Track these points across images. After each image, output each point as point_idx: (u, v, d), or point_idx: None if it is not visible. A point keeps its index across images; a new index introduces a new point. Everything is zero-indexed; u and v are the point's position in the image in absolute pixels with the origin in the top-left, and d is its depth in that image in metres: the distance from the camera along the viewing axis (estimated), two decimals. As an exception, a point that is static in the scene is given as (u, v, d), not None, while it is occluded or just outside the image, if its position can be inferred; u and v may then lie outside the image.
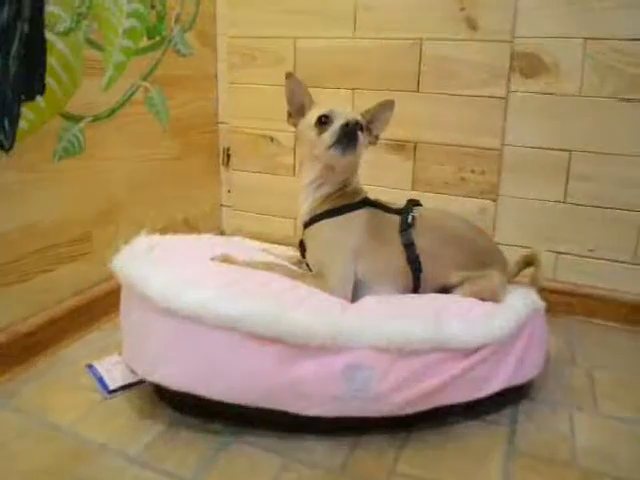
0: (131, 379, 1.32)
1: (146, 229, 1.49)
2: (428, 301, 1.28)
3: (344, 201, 1.39)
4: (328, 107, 1.37)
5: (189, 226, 2.05)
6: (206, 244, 1.49)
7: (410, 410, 1.15)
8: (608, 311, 1.69)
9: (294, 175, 2.01)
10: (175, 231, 1.96)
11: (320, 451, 1.14)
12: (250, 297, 1.12)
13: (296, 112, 1.44)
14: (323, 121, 1.34)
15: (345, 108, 1.40)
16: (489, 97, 1.71)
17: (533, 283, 1.44)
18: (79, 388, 1.33)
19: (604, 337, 1.65)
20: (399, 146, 1.86)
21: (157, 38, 1.78)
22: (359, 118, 1.37)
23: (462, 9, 1.69)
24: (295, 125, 1.45)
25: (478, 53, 1.70)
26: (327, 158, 1.35)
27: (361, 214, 1.38)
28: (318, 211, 1.38)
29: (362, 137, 1.34)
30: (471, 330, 1.18)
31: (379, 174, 1.87)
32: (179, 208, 2.00)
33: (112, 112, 1.64)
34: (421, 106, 1.80)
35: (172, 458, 1.11)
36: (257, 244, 1.66)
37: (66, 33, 1.45)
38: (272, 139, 2.05)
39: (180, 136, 1.95)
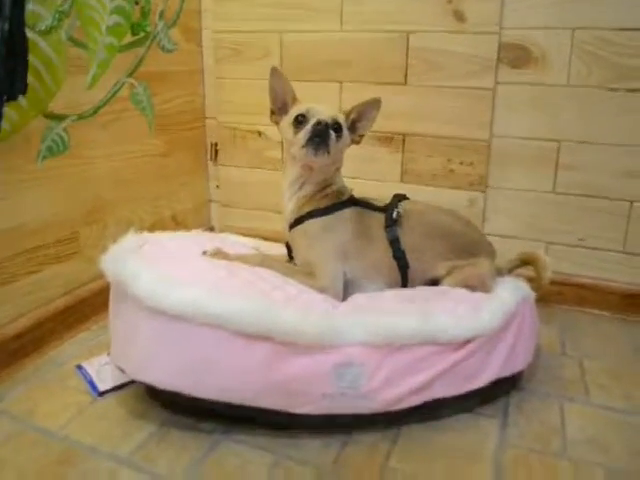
0: (121, 380, 1.31)
1: (134, 227, 1.48)
2: (416, 296, 1.27)
3: (329, 201, 1.38)
4: (306, 106, 1.37)
5: (177, 222, 2.04)
6: (195, 241, 1.47)
7: (401, 405, 1.15)
8: (598, 300, 1.70)
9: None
10: (163, 228, 1.97)
11: (311, 448, 1.14)
12: (238, 295, 1.11)
13: (279, 109, 1.43)
14: (300, 120, 1.34)
15: (325, 106, 1.38)
16: (477, 89, 1.70)
17: (537, 288, 1.44)
18: (68, 390, 1.32)
19: (594, 326, 1.65)
20: (387, 138, 1.85)
21: (141, 34, 1.75)
22: (338, 117, 1.36)
23: (449, 1, 1.67)
24: (277, 123, 1.43)
25: (465, 45, 1.69)
26: (301, 157, 1.34)
27: (346, 213, 1.37)
28: (303, 212, 1.38)
29: (335, 137, 1.32)
30: (460, 323, 1.18)
31: (368, 167, 1.86)
32: (167, 205, 1.99)
33: (97, 110, 1.62)
34: (409, 99, 1.79)
35: (163, 458, 1.10)
36: (247, 240, 1.65)
37: (48, 32, 1.43)
38: (260, 133, 2.03)
39: (166, 132, 1.93)
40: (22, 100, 1.38)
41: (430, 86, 1.76)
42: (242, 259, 1.34)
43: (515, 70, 1.67)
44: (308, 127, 1.30)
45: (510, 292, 1.31)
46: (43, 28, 1.42)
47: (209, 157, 2.15)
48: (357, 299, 1.25)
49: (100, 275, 1.51)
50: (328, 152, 1.30)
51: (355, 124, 1.42)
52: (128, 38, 1.70)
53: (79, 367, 1.40)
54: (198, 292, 1.08)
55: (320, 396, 1.11)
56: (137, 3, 1.72)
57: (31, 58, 1.39)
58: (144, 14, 1.76)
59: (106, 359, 1.40)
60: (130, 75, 1.73)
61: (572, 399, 1.29)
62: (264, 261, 1.34)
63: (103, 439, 1.16)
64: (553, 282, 1.59)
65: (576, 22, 1.57)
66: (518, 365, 1.28)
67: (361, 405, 1.13)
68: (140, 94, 1.78)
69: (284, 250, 1.49)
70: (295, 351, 1.10)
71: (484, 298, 1.28)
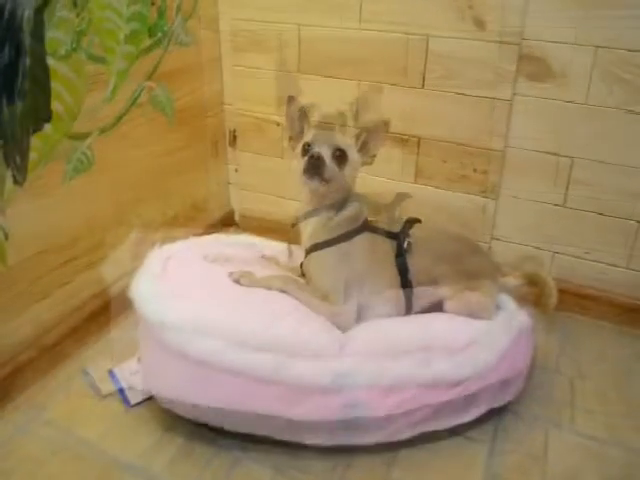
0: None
1: (159, 242, 1.58)
2: (417, 332, 1.37)
3: (343, 229, 1.44)
4: (313, 133, 1.44)
5: (198, 209, 2.12)
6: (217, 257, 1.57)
7: (399, 437, 1.29)
8: (600, 310, 1.77)
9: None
10: (185, 216, 2.06)
11: (319, 468, 1.29)
12: (255, 345, 1.22)
13: (296, 136, 1.47)
14: (306, 149, 1.41)
15: (332, 133, 1.47)
16: (494, 99, 1.69)
17: (544, 310, 1.52)
18: (103, 398, 1.47)
19: (593, 337, 1.74)
20: (403, 140, 1.86)
21: (159, 35, 1.74)
22: (342, 143, 1.42)
23: (470, 7, 1.62)
24: (294, 149, 1.48)
25: (485, 53, 1.65)
26: (302, 184, 1.42)
27: (359, 241, 1.44)
28: (318, 239, 1.45)
29: (335, 165, 1.39)
30: (457, 367, 1.28)
31: (384, 165, 1.88)
32: (188, 194, 2.06)
33: (118, 120, 1.66)
34: (426, 102, 1.79)
35: (190, 476, 1.27)
36: (262, 243, 1.75)
37: (68, 55, 1.45)
38: (278, 124, 2.05)
39: (186, 125, 1.96)
40: (47, 127, 1.44)
41: (447, 92, 1.75)
42: (265, 282, 1.43)
43: (534, 83, 1.64)
44: (305, 158, 1.37)
45: (506, 329, 1.39)
46: (63, 53, 1.44)
47: (228, 143, 2.18)
48: (363, 336, 1.35)
49: (126, 273, 1.64)
50: (324, 181, 1.38)
51: (366, 145, 1.47)
52: (146, 42, 1.70)
53: (111, 373, 1.54)
54: (217, 345, 1.20)
55: (328, 431, 1.25)
56: (153, 4, 1.70)
57: (53, 84, 1.43)
58: (160, 13, 1.74)
59: (136, 367, 1.54)
60: (149, 78, 1.75)
61: (558, 425, 1.41)
62: (286, 284, 1.44)
63: (137, 454, 1.31)
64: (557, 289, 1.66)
65: (600, 40, 1.53)
66: (509, 395, 1.39)
67: (365, 438, 1.27)
68: (159, 95, 1.80)
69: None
70: (306, 395, 1.22)
71: (482, 332, 1.37)
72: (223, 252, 1.55)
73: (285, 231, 1.82)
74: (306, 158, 1.38)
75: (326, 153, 1.38)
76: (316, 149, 1.37)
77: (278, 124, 2.05)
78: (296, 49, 1.91)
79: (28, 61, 1.35)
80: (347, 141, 1.44)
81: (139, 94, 1.71)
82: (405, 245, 1.43)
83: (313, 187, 1.39)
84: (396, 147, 1.87)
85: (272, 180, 2.15)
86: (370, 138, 1.46)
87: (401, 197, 1.50)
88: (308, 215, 1.48)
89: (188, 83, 1.93)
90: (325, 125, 1.82)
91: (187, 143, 1.98)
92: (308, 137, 1.42)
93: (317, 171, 1.36)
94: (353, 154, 1.44)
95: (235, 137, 2.16)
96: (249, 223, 2.25)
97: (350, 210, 1.47)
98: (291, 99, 1.45)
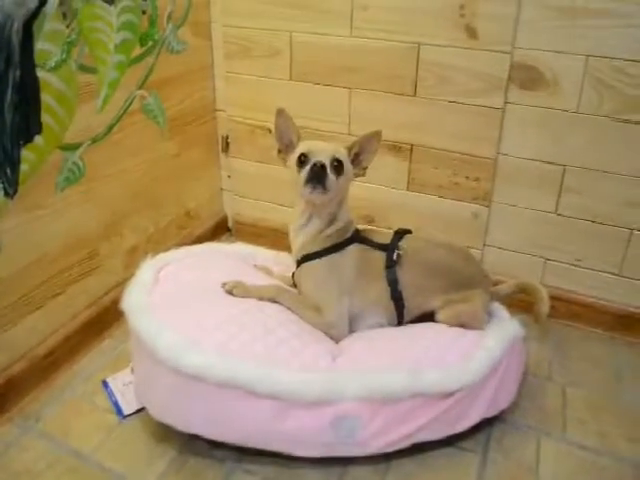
0: (143, 402, 1.46)
1: (151, 253, 1.59)
2: (409, 342, 1.38)
3: (333, 240, 1.45)
4: (308, 145, 1.44)
5: (191, 217, 2.11)
6: (211, 265, 1.58)
7: (391, 449, 1.29)
8: (591, 317, 1.78)
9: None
10: (179, 225, 2.06)
11: (312, 478, 1.29)
12: (247, 358, 1.22)
13: (285, 148, 1.48)
14: (302, 160, 1.41)
15: (327, 144, 1.47)
16: (486, 107, 1.69)
17: (537, 319, 1.52)
18: (97, 409, 1.47)
19: (584, 343, 1.75)
20: (395, 147, 1.86)
21: (150, 43, 1.74)
22: (338, 154, 1.42)
23: (462, 15, 1.62)
24: (284, 161, 1.48)
25: (477, 61, 1.66)
26: (303, 195, 1.42)
27: (350, 252, 1.46)
28: (310, 250, 1.46)
29: (334, 176, 1.39)
30: (448, 378, 1.29)
31: (376, 173, 1.87)
32: (180, 202, 2.05)
33: (109, 129, 1.65)
34: (418, 110, 1.79)
35: (183, 490, 1.28)
36: (253, 251, 1.75)
37: (58, 66, 1.44)
38: (270, 130, 2.04)
39: (179, 133, 1.96)
40: (38, 139, 1.43)
41: (439, 100, 1.75)
42: (258, 292, 1.44)
43: (525, 91, 1.65)
44: (307, 168, 1.37)
45: (497, 340, 1.40)
46: (53, 65, 1.43)
47: (220, 149, 2.18)
48: (354, 347, 1.36)
49: (120, 282, 1.64)
50: (326, 191, 1.38)
51: (358, 157, 1.48)
52: (137, 51, 1.70)
53: (104, 383, 1.55)
54: (210, 359, 1.20)
55: (320, 444, 1.26)
56: (144, 12, 1.70)
57: (43, 96, 1.42)
58: (152, 22, 1.73)
59: (129, 377, 1.54)
60: (140, 87, 1.74)
61: (550, 434, 1.41)
62: (278, 295, 1.45)
63: (131, 466, 1.31)
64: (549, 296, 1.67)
65: (591, 49, 1.53)
66: (501, 405, 1.40)
67: (356, 450, 1.28)
68: (151, 104, 1.80)
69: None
70: (297, 407, 1.22)
71: (473, 343, 1.38)
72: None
73: (278, 238, 1.83)
74: (307, 168, 1.37)
75: (326, 163, 1.38)
76: (318, 159, 1.37)
77: (270, 131, 2.04)
78: (288, 56, 1.91)
79: (18, 74, 1.34)
80: (342, 152, 1.44)
81: (131, 102, 1.71)
82: (395, 257, 1.44)
83: (314, 197, 1.39)
84: (388, 155, 1.87)
85: (265, 186, 2.15)
86: (362, 150, 1.46)
87: (400, 234, 1.50)
88: (301, 225, 1.48)
89: (180, 90, 1.93)
90: (317, 136, 1.81)
91: (179, 150, 1.98)
92: (303, 148, 1.42)
93: (320, 181, 1.36)
94: (348, 165, 1.44)
95: (228, 143, 2.16)
96: (242, 230, 2.25)
97: (341, 221, 1.48)
98: (280, 112, 1.46)
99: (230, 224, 2.30)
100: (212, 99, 2.10)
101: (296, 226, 1.49)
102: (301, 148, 1.43)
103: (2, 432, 1.41)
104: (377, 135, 1.45)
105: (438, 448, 1.36)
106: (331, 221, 1.47)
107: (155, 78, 1.79)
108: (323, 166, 1.36)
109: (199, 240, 1.99)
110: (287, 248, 1.60)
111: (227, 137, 2.15)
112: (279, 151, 1.50)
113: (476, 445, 1.39)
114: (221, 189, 2.27)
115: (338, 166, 1.40)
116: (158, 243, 1.91)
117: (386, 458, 1.33)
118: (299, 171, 1.40)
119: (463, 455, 1.36)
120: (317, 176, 1.36)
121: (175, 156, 1.97)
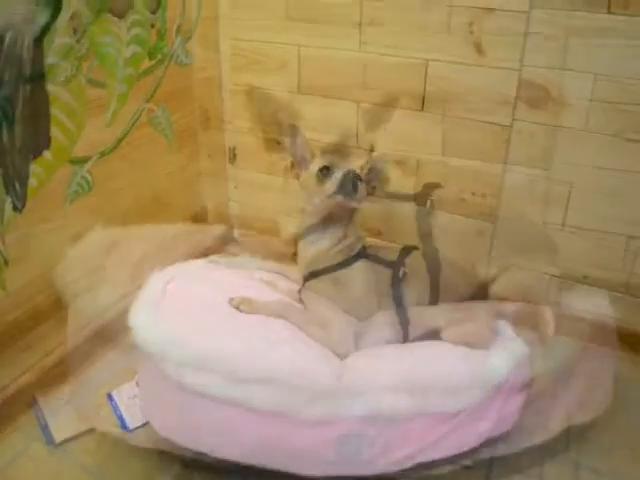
0: (148, 417, 1.47)
1: (158, 265, 1.59)
2: (414, 361, 1.37)
3: (341, 257, 1.45)
4: (329, 159, 1.45)
5: (198, 229, 2.12)
6: (218, 280, 1.58)
7: (396, 468, 1.29)
8: (597, 335, 1.77)
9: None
10: (185, 236, 2.06)
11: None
12: (252, 376, 1.22)
13: (298, 164, 1.48)
14: (324, 173, 1.40)
15: (343, 159, 1.49)
16: (493, 124, 1.69)
17: (542, 340, 1.52)
18: (102, 421, 1.47)
19: (589, 361, 1.73)
20: (401, 162, 1.87)
21: (159, 57, 1.75)
22: (357, 171, 1.42)
23: (471, 32, 1.63)
24: (298, 177, 1.49)
25: (485, 78, 1.66)
26: (327, 205, 1.41)
27: (357, 269, 1.45)
28: (317, 267, 1.45)
29: (362, 186, 1.40)
30: (453, 398, 1.28)
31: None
32: (188, 213, 2.06)
33: (118, 143, 1.66)
34: (425, 125, 1.79)
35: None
36: (260, 264, 1.75)
37: (68, 81, 1.45)
38: (278, 142, 2.05)
39: (186, 145, 1.97)
40: (47, 153, 1.44)
41: (446, 115, 1.75)
42: (265, 308, 1.44)
43: (533, 109, 1.65)
44: (338, 176, 1.39)
45: (503, 359, 1.39)
46: (63, 79, 1.44)
47: (228, 160, 2.19)
48: (359, 366, 1.35)
49: (125, 295, 1.65)
50: (357, 197, 1.39)
51: (368, 176, 1.49)
52: (145, 64, 1.71)
53: (109, 396, 1.55)
54: (216, 379, 1.20)
55: (326, 462, 1.26)
56: (153, 26, 1.71)
57: (53, 110, 1.43)
58: (161, 35, 1.74)
59: (134, 390, 1.55)
60: (149, 100, 1.75)
61: (554, 455, 1.41)
62: (285, 311, 1.44)
63: (136, 484, 1.33)
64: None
65: (599, 68, 1.53)
66: (506, 425, 1.39)
67: (361, 470, 1.28)
68: (159, 117, 1.81)
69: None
70: (302, 425, 1.22)
71: (478, 363, 1.38)
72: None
73: (284, 250, 1.83)
74: (338, 176, 1.38)
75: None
76: (350, 168, 1.39)
77: (278, 142, 2.05)
78: (296, 70, 1.91)
79: (28, 89, 1.35)
80: (357, 166, 1.45)
81: (139, 116, 1.72)
82: (401, 274, 1.44)
83: (346, 201, 1.39)
84: (395, 169, 1.88)
85: (272, 197, 2.16)
86: (371, 170, 1.49)
87: (407, 251, 1.51)
88: (312, 241, 1.48)
89: (188, 103, 1.94)
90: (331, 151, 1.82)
91: (187, 162, 1.99)
92: (324, 161, 1.44)
93: (355, 186, 1.37)
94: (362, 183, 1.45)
95: (235, 155, 2.17)
96: (249, 241, 2.26)
97: (350, 237, 1.48)
98: (293, 128, 1.47)
99: (236, 235, 2.31)
100: (220, 112, 2.11)
101: (306, 241, 1.50)
102: (321, 161, 1.44)
103: (10, 442, 1.42)
104: (384, 157, 1.46)
105: (442, 466, 1.36)
106: (342, 237, 1.47)
107: (163, 90, 1.80)
108: (357, 174, 1.39)
109: (206, 251, 1.99)
110: (293, 261, 1.60)
111: (234, 148, 2.16)
112: (292, 165, 1.50)
113: (480, 464, 1.38)
114: (228, 200, 2.27)
115: (358, 178, 1.42)
116: (165, 255, 1.92)
117: (390, 477, 1.33)
118: (321, 183, 1.41)
119: (467, 474, 1.36)
120: (352, 182, 1.37)
121: (183, 168, 1.98)
